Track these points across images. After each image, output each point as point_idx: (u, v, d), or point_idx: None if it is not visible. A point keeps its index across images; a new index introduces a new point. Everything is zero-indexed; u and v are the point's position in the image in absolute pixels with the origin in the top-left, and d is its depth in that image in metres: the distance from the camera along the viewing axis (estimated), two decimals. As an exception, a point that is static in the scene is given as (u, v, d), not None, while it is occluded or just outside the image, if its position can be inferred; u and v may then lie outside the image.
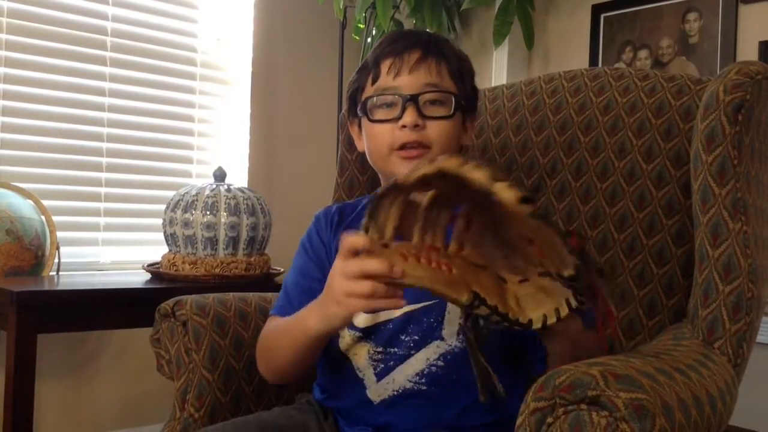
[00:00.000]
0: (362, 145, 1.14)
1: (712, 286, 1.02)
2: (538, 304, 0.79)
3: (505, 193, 0.73)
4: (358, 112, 1.11)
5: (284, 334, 1.03)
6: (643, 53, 2.21)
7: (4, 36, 2.11)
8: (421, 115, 1.03)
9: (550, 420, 0.72)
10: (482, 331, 0.85)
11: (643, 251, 1.17)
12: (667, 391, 0.73)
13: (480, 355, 0.87)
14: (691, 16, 2.11)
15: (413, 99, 1.03)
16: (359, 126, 1.13)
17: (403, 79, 1.04)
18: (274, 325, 1.09)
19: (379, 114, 1.07)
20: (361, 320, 1.04)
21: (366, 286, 0.82)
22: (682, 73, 1.25)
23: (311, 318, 0.94)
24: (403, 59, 1.05)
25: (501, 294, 0.80)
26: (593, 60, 2.32)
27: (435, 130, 1.04)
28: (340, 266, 0.85)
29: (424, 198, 0.84)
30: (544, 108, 1.35)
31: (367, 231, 0.83)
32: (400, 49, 1.06)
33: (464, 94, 1.09)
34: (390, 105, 1.06)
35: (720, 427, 0.84)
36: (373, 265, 0.80)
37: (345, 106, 1.19)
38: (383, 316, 1.03)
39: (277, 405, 1.21)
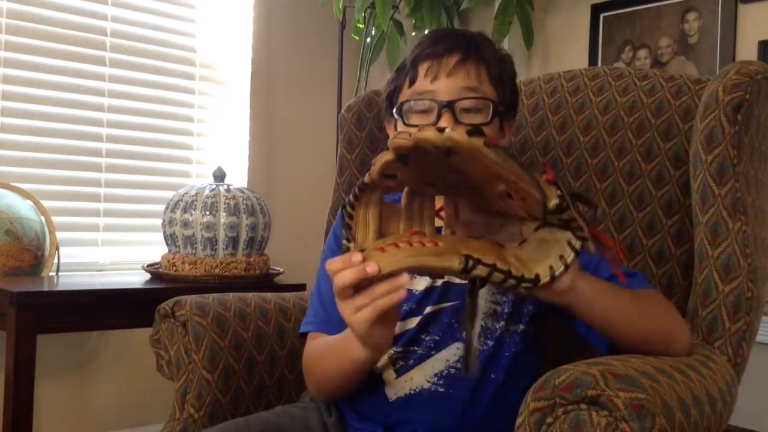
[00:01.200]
0: None
1: (712, 285, 1.02)
2: (543, 258, 0.76)
3: (455, 134, 0.69)
4: (394, 114, 1.09)
5: (333, 362, 0.99)
6: (642, 53, 2.21)
7: (3, 36, 2.11)
8: (457, 122, 1.01)
9: (549, 420, 0.72)
10: (474, 308, 0.82)
11: (643, 251, 1.17)
12: (666, 391, 0.73)
13: (471, 326, 0.84)
14: (691, 15, 2.11)
15: (449, 105, 1.00)
16: (395, 127, 1.11)
17: (441, 83, 1.02)
18: (321, 347, 1.04)
19: (415, 119, 1.04)
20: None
21: (360, 299, 0.78)
22: (681, 73, 1.25)
23: (356, 347, 0.89)
24: (441, 62, 1.02)
25: (499, 253, 0.76)
26: (592, 59, 2.32)
27: None
28: (334, 291, 0.81)
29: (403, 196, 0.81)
30: (543, 108, 1.35)
31: (348, 240, 0.80)
32: (439, 51, 1.03)
33: (503, 99, 1.06)
34: (425, 110, 1.03)
35: (720, 426, 0.84)
36: (346, 276, 0.76)
37: (379, 106, 1.14)
38: (409, 324, 1.03)
39: (278, 405, 1.21)
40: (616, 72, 1.31)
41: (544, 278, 0.75)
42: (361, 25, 2.57)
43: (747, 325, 1.00)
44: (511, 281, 0.75)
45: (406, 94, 1.06)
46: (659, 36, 2.18)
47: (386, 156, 0.74)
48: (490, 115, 1.03)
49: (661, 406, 0.70)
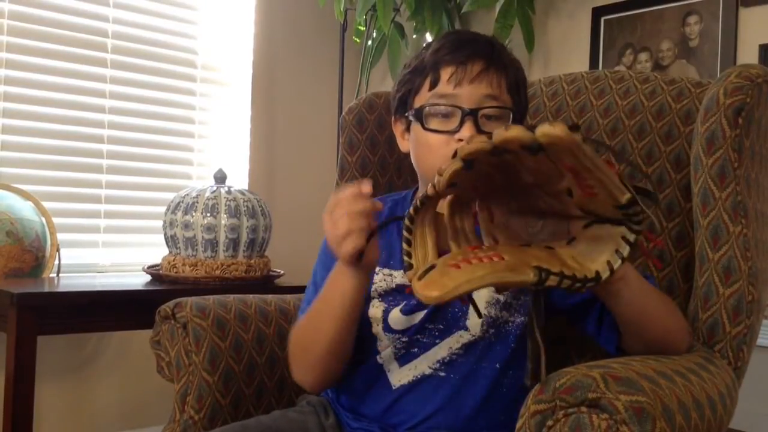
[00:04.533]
0: (406, 145, 1.11)
1: (713, 289, 1.02)
2: (598, 254, 0.77)
3: (553, 130, 0.67)
4: (410, 116, 1.07)
5: (321, 315, 1.02)
6: (643, 56, 2.21)
7: (5, 38, 2.11)
8: (479, 130, 1.00)
9: (550, 423, 0.72)
10: (540, 313, 0.84)
11: (644, 254, 1.17)
12: (667, 394, 0.73)
13: (538, 334, 0.83)
14: (692, 19, 2.11)
15: (473, 113, 1.00)
16: (407, 128, 1.09)
17: (464, 89, 1.01)
18: (306, 315, 1.07)
19: (435, 123, 1.03)
20: (398, 323, 1.05)
21: (338, 211, 0.96)
22: (682, 76, 1.25)
23: (342, 278, 0.97)
24: (466, 69, 1.01)
25: (559, 259, 0.77)
26: (593, 63, 2.32)
27: None
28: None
29: (444, 207, 0.81)
30: (544, 111, 1.35)
31: (409, 257, 0.80)
32: (462, 57, 1.02)
33: (519, 107, 1.06)
34: (447, 115, 1.02)
35: (720, 430, 0.84)
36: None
37: (392, 105, 1.13)
38: (416, 318, 1.04)
39: (278, 407, 1.21)
40: (617, 75, 1.31)
41: (605, 274, 0.76)
42: (362, 28, 2.57)
43: (748, 328, 1.00)
44: (578, 284, 0.75)
45: (425, 96, 1.04)
46: (660, 39, 2.18)
47: (455, 165, 0.74)
48: (509, 123, 1.03)
49: (662, 409, 0.70)
